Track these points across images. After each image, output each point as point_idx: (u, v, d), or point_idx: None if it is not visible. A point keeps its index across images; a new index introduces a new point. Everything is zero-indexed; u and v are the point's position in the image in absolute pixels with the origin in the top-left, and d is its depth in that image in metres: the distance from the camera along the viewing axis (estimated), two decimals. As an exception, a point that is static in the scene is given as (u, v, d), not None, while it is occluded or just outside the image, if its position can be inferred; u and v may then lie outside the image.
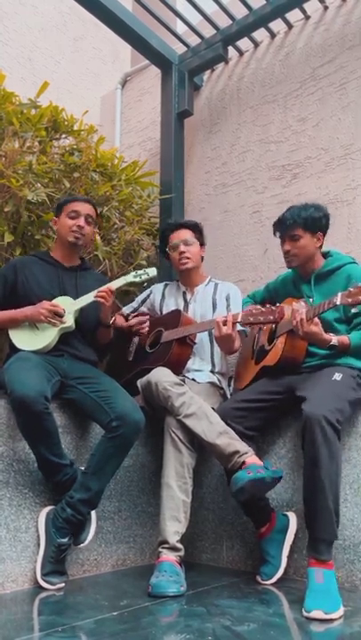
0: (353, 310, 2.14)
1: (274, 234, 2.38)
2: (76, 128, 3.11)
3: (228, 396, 2.53)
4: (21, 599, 1.85)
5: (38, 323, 2.22)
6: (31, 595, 1.89)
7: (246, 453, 2.03)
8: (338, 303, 1.95)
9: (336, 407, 1.89)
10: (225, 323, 2.22)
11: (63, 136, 3.09)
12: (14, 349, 2.22)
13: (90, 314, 2.34)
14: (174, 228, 2.68)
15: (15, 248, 2.73)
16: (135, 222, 3.27)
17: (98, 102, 4.80)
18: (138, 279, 2.37)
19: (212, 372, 2.53)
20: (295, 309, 2.07)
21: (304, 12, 3.21)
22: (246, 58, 3.54)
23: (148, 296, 2.79)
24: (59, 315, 2.20)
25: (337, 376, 2.04)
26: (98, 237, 2.97)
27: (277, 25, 3.32)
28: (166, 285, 2.79)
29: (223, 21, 3.38)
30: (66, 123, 3.05)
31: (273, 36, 3.40)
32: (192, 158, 3.73)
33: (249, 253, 3.30)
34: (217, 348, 2.51)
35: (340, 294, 1.94)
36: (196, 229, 2.69)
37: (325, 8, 3.17)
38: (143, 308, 2.80)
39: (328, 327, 2.17)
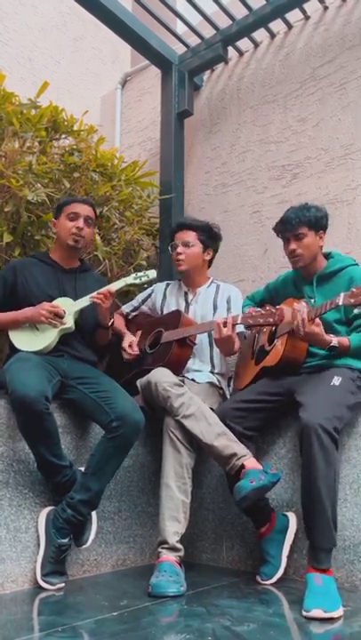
0: (355, 311, 2.14)
1: (277, 234, 2.36)
2: (75, 128, 3.11)
3: (228, 397, 2.53)
4: (21, 599, 1.85)
5: (38, 324, 2.22)
6: (31, 595, 1.89)
7: (244, 456, 2.03)
8: (340, 304, 1.94)
9: (334, 415, 1.88)
10: (225, 324, 2.22)
11: (63, 136, 3.09)
12: (14, 350, 2.22)
13: (89, 315, 2.34)
14: (178, 229, 2.66)
15: (15, 248, 2.73)
16: (135, 222, 3.28)
17: (98, 102, 4.81)
18: (138, 281, 2.36)
19: (211, 372, 2.53)
20: (296, 310, 2.07)
21: (304, 12, 3.21)
22: (246, 58, 3.54)
23: (150, 295, 2.79)
24: (59, 316, 2.20)
25: (336, 380, 2.03)
26: (98, 237, 2.97)
27: (277, 25, 3.32)
28: (168, 285, 2.78)
29: (223, 22, 3.38)
30: (66, 123, 3.05)
31: (273, 36, 3.40)
32: (192, 158, 3.74)
33: (249, 253, 3.30)
34: (216, 349, 2.51)
35: (342, 295, 1.94)
36: (203, 232, 2.63)
37: (325, 8, 3.17)
38: (144, 307, 2.80)
39: (329, 328, 2.17)
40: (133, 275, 2.38)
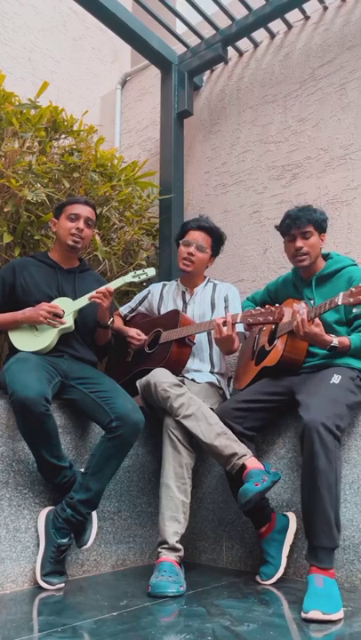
0: (354, 311, 2.14)
1: (283, 232, 2.34)
2: (75, 128, 3.11)
3: (228, 397, 2.53)
4: (21, 599, 1.85)
5: (38, 324, 2.22)
6: (31, 595, 1.89)
7: (245, 455, 2.03)
8: (339, 303, 1.95)
9: (335, 413, 1.88)
10: (225, 323, 2.22)
11: (63, 136, 3.09)
12: (14, 350, 2.22)
13: (89, 315, 2.34)
14: (196, 227, 2.62)
15: (14, 248, 2.73)
16: (135, 222, 3.28)
17: (98, 102, 4.81)
18: (136, 279, 2.37)
19: (211, 372, 2.53)
20: (296, 310, 2.07)
21: (304, 12, 3.22)
22: (246, 58, 3.54)
23: (147, 296, 2.79)
24: (58, 316, 2.20)
25: (335, 379, 2.03)
26: (97, 237, 2.97)
27: (277, 25, 3.32)
28: (165, 285, 2.78)
29: (223, 22, 3.38)
30: (65, 123, 3.05)
31: (273, 36, 3.40)
32: (192, 158, 3.73)
33: (248, 253, 3.30)
34: (216, 349, 2.51)
35: (341, 294, 1.95)
36: (216, 239, 2.64)
37: (325, 8, 3.17)
38: (141, 308, 2.80)
39: (329, 329, 2.17)
40: (132, 273, 2.38)
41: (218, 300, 2.60)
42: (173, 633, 1.51)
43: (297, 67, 3.24)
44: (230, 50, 3.52)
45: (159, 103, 3.69)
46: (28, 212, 2.76)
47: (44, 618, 1.65)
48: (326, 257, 2.36)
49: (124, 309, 2.83)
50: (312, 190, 3.05)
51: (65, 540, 2.00)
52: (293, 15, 3.24)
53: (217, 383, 2.49)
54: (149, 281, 2.55)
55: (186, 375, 2.48)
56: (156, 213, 3.51)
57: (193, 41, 3.56)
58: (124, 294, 3.18)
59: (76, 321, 2.28)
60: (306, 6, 3.17)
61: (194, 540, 2.47)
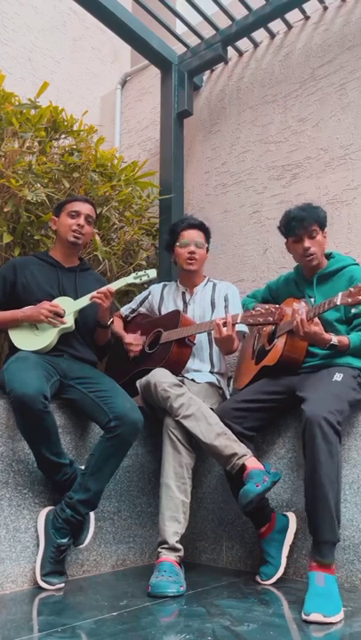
0: (353, 310, 2.14)
1: (287, 234, 2.32)
2: (75, 128, 3.11)
3: (228, 396, 2.53)
4: (21, 599, 1.85)
5: (38, 323, 2.22)
6: (31, 595, 1.89)
7: (245, 455, 2.03)
8: (338, 303, 1.95)
9: (336, 408, 1.88)
10: (225, 324, 2.22)
11: (63, 136, 3.09)
12: (14, 349, 2.22)
13: (89, 314, 2.34)
14: (188, 227, 2.65)
15: (14, 248, 2.73)
16: (135, 222, 3.28)
17: (98, 102, 4.81)
18: (138, 280, 2.37)
19: (211, 372, 2.52)
20: (296, 309, 2.07)
21: (304, 12, 3.21)
22: (246, 58, 3.54)
23: (147, 297, 2.79)
24: (59, 315, 2.20)
25: (337, 376, 2.04)
26: (97, 237, 2.97)
27: (277, 25, 3.32)
28: (165, 286, 2.78)
29: (223, 22, 3.38)
30: (65, 123, 3.05)
31: (273, 36, 3.40)
32: (192, 158, 3.73)
33: (248, 253, 3.30)
34: (216, 349, 2.51)
35: (340, 294, 1.95)
36: (207, 234, 2.71)
37: (325, 8, 3.17)
38: (142, 309, 2.80)
39: (329, 327, 2.18)
40: (133, 274, 2.38)
41: (218, 300, 2.61)
42: (173, 633, 1.51)
43: (297, 67, 3.24)
44: (230, 50, 3.52)
45: (159, 103, 3.69)
46: (28, 212, 2.76)
47: (43, 618, 1.65)
48: (328, 256, 2.36)
49: (124, 310, 2.83)
50: (312, 190, 3.05)
51: (65, 540, 2.00)
52: (293, 15, 3.24)
53: (217, 383, 2.49)
54: (150, 282, 2.54)
55: (186, 375, 2.48)
56: (156, 213, 3.51)
57: (193, 41, 3.56)
58: (125, 294, 3.18)
59: (76, 321, 2.28)
60: (306, 6, 3.17)
61: (194, 540, 2.46)
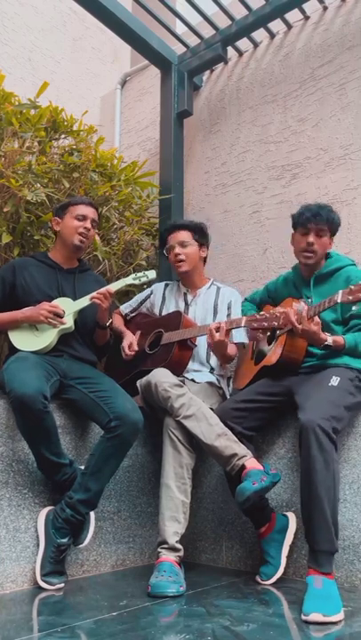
0: (354, 308, 2.14)
1: (297, 223, 2.29)
2: (75, 128, 3.11)
3: (228, 396, 2.53)
4: (21, 599, 1.85)
5: (38, 323, 2.22)
6: (31, 595, 1.89)
7: (245, 456, 2.03)
8: (339, 301, 1.95)
9: (332, 415, 1.87)
10: (217, 329, 2.23)
11: (63, 136, 3.09)
12: (14, 350, 2.22)
13: (89, 315, 2.34)
14: (171, 230, 2.65)
15: (14, 248, 2.73)
16: (135, 222, 3.28)
17: (97, 102, 4.81)
18: (137, 281, 2.37)
19: (211, 372, 2.52)
20: (295, 309, 2.07)
21: (303, 12, 3.21)
22: (246, 58, 3.54)
23: (148, 296, 2.78)
24: (58, 315, 2.20)
25: (334, 381, 2.03)
26: (97, 238, 2.97)
27: (277, 25, 3.32)
28: (167, 285, 2.77)
29: (223, 22, 3.38)
30: (65, 123, 3.05)
31: (272, 36, 3.40)
32: (191, 158, 3.73)
33: (248, 253, 3.30)
34: (214, 352, 2.51)
35: (340, 292, 1.95)
36: (196, 230, 2.63)
37: (325, 8, 3.17)
38: (142, 308, 2.79)
39: (326, 328, 2.17)
40: (133, 275, 2.38)
41: (221, 305, 2.59)
42: (173, 633, 1.51)
43: (297, 67, 3.24)
44: (230, 50, 3.52)
45: (159, 103, 3.69)
46: (28, 212, 2.76)
47: (43, 618, 1.65)
48: (326, 256, 2.36)
49: (124, 308, 2.82)
50: (312, 190, 3.05)
51: (65, 540, 2.00)
52: (293, 15, 3.24)
53: (217, 383, 2.49)
54: (150, 283, 2.54)
55: (186, 375, 2.48)
56: (156, 213, 3.51)
57: (193, 41, 3.56)
58: (125, 294, 3.18)
59: (75, 321, 2.29)
60: (306, 6, 3.17)
61: (194, 540, 2.47)
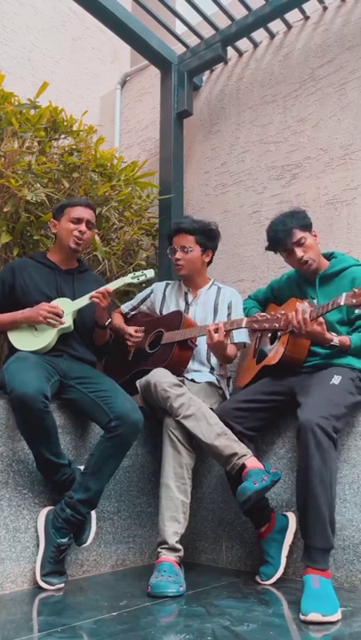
0: (356, 311, 2.14)
1: (277, 250, 2.31)
2: (75, 128, 3.11)
3: (228, 396, 2.53)
4: (21, 600, 1.85)
5: (37, 324, 2.22)
6: (31, 595, 1.89)
7: (245, 455, 2.03)
8: (342, 304, 1.95)
9: (331, 414, 1.87)
10: (216, 330, 2.23)
11: (62, 136, 3.09)
12: (13, 350, 2.23)
13: (88, 315, 2.34)
14: (176, 233, 2.60)
15: (13, 248, 2.73)
16: (134, 222, 3.28)
17: (97, 102, 4.81)
18: (135, 280, 2.37)
19: (211, 372, 2.52)
20: (299, 309, 2.07)
21: (303, 12, 3.22)
22: (246, 58, 3.54)
23: (149, 295, 2.78)
24: (58, 315, 2.20)
25: (335, 379, 2.03)
26: (97, 238, 2.97)
27: (277, 25, 3.32)
28: (168, 285, 2.77)
29: (222, 22, 3.38)
30: (65, 123, 3.05)
31: (272, 36, 3.40)
32: (191, 158, 3.74)
33: (248, 253, 3.30)
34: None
35: (344, 295, 1.95)
36: (202, 234, 2.57)
37: (325, 8, 3.17)
38: (143, 307, 2.79)
39: (331, 328, 2.17)
40: (131, 274, 2.38)
41: (221, 306, 2.59)
42: (173, 633, 1.51)
43: (296, 67, 3.24)
44: (230, 50, 3.52)
45: (159, 103, 3.69)
46: (28, 212, 2.76)
47: (43, 618, 1.65)
48: (330, 256, 2.35)
49: (125, 307, 2.82)
50: (312, 190, 3.05)
51: (65, 540, 2.00)
52: (293, 15, 3.24)
53: (216, 383, 2.49)
54: (149, 282, 2.54)
55: (186, 375, 2.48)
56: (156, 213, 3.51)
57: (193, 41, 3.56)
58: (124, 294, 3.18)
59: (75, 321, 2.29)
60: (305, 6, 3.17)
61: (194, 540, 2.46)
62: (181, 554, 2.04)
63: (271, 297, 2.60)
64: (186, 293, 2.67)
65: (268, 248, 2.37)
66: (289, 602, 1.82)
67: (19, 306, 2.27)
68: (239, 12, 3.30)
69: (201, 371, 2.51)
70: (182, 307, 2.63)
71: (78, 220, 2.35)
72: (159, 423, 2.24)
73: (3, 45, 4.25)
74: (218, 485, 2.45)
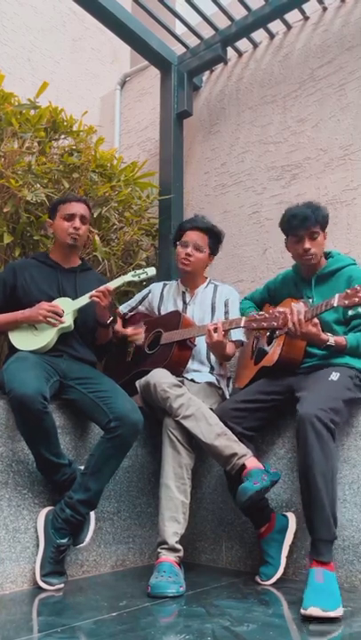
0: (350, 312, 2.14)
1: (289, 232, 2.29)
2: (75, 129, 3.11)
3: (227, 397, 2.53)
4: (21, 600, 1.85)
5: (37, 323, 2.22)
6: (30, 595, 1.89)
7: (245, 455, 2.03)
8: (335, 305, 1.95)
9: (330, 407, 1.88)
10: (216, 329, 2.23)
11: (62, 136, 3.09)
12: (13, 350, 2.23)
13: (89, 314, 2.34)
14: (192, 228, 2.60)
15: (14, 249, 2.73)
16: (134, 223, 3.28)
17: (97, 103, 4.81)
18: (136, 278, 2.37)
19: (210, 372, 2.52)
20: (294, 310, 2.07)
21: (303, 12, 3.22)
22: (245, 58, 3.54)
23: (147, 295, 2.78)
24: (58, 314, 2.20)
25: (334, 376, 2.04)
26: (97, 238, 2.97)
27: (276, 26, 3.33)
28: (165, 285, 2.77)
29: (222, 22, 3.38)
30: (65, 123, 3.05)
31: (272, 36, 3.40)
32: (191, 159, 3.74)
33: (248, 254, 3.30)
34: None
35: (337, 296, 1.95)
36: (214, 238, 2.62)
37: (324, 9, 3.17)
38: (141, 307, 2.79)
39: (327, 328, 2.18)
40: (132, 272, 2.39)
41: (218, 304, 2.59)
42: (173, 633, 1.51)
43: (296, 67, 3.24)
44: (230, 50, 3.53)
45: (159, 104, 3.69)
46: (28, 213, 2.76)
47: (43, 618, 1.65)
48: (327, 255, 2.35)
49: (123, 308, 2.82)
50: (311, 191, 3.05)
51: (64, 541, 2.00)
52: (293, 16, 3.24)
53: (216, 383, 2.49)
54: (149, 280, 2.54)
55: (185, 375, 2.48)
56: (156, 214, 3.51)
57: (192, 41, 3.56)
58: (124, 294, 3.18)
59: (75, 321, 2.29)
60: (305, 7, 3.17)
61: (193, 541, 2.46)
62: (181, 554, 2.04)
63: (267, 297, 2.60)
64: (184, 293, 2.68)
65: (280, 225, 2.34)
66: (289, 602, 1.82)
67: (20, 306, 2.27)
68: (239, 13, 3.31)
69: (201, 370, 2.51)
70: (180, 306, 2.63)
71: (71, 216, 2.36)
72: (159, 423, 2.24)
73: (3, 45, 4.25)
74: (218, 485, 2.45)
